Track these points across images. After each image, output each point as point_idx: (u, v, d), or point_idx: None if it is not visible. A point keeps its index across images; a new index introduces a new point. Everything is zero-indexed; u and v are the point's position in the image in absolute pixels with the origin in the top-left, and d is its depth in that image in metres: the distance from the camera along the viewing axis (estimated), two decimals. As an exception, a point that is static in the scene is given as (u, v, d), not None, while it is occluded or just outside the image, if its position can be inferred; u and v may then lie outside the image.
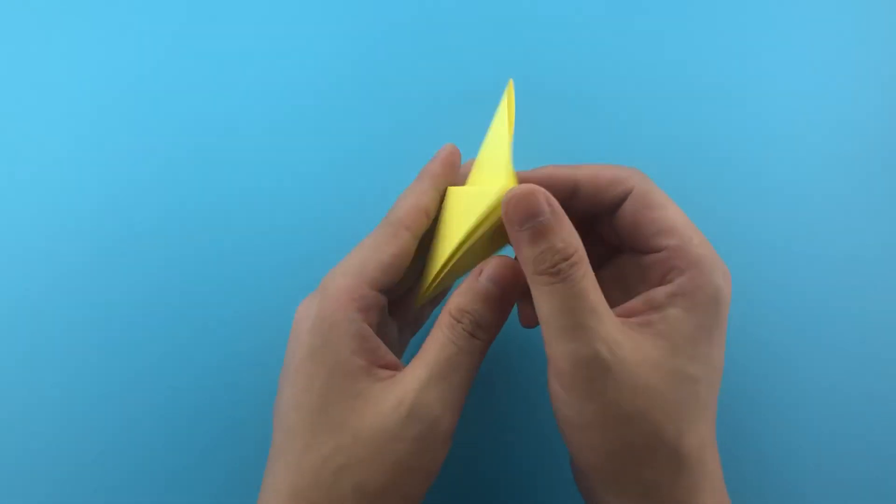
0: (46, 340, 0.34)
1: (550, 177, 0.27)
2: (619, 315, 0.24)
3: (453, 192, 0.27)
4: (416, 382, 0.24)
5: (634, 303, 0.25)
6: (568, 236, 0.23)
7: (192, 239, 0.35)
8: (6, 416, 0.33)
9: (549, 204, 0.23)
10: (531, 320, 0.29)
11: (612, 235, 0.28)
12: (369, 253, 0.25)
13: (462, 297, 0.25)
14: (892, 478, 0.34)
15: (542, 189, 0.23)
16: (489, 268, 0.25)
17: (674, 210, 0.25)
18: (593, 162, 0.28)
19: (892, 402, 0.34)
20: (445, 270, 0.26)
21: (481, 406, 0.34)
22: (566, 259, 0.22)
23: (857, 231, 0.36)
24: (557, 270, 0.22)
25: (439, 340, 0.24)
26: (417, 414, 0.23)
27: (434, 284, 0.27)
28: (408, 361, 0.25)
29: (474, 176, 0.27)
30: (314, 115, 0.37)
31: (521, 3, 0.39)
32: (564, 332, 0.22)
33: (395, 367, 0.25)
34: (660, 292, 0.24)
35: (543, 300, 0.23)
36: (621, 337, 0.23)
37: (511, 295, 0.25)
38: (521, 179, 0.27)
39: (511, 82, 0.27)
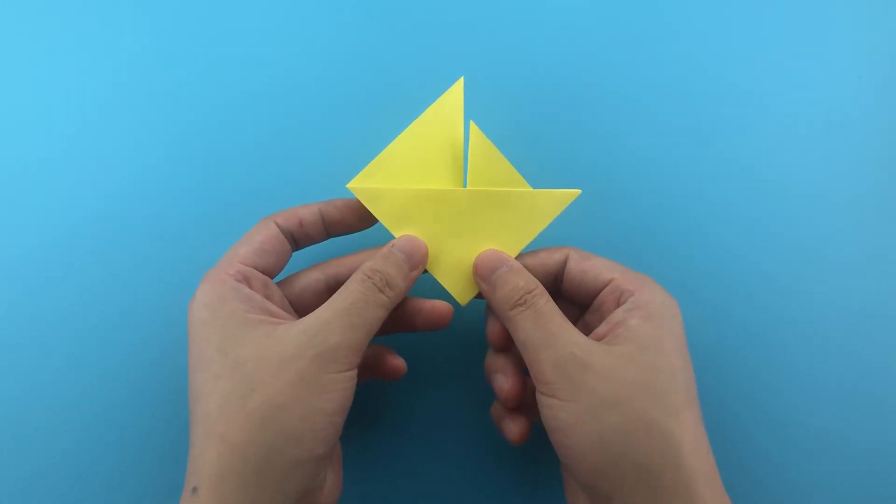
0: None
1: None
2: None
3: (483, 194, 0.30)
4: (319, 317, 0.26)
5: (600, 329, 0.28)
6: (528, 278, 0.28)
7: (192, 238, 0.35)
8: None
9: (508, 260, 0.29)
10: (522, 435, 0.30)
11: (571, 309, 0.31)
12: (240, 241, 0.29)
13: (375, 262, 0.28)
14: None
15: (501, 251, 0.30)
16: (399, 242, 0.29)
17: (605, 259, 0.30)
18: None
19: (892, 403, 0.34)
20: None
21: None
22: (530, 292, 0.28)
23: (857, 232, 0.36)
24: (524, 300, 0.27)
25: (347, 290, 0.27)
26: (317, 338, 0.25)
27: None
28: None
29: (416, 170, 0.30)
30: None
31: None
32: (541, 343, 0.27)
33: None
34: (618, 312, 0.28)
35: (520, 327, 0.27)
36: (592, 345, 0.26)
37: (414, 265, 0.29)
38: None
39: (461, 80, 0.30)
